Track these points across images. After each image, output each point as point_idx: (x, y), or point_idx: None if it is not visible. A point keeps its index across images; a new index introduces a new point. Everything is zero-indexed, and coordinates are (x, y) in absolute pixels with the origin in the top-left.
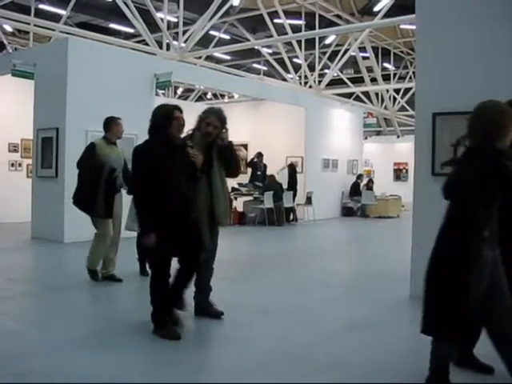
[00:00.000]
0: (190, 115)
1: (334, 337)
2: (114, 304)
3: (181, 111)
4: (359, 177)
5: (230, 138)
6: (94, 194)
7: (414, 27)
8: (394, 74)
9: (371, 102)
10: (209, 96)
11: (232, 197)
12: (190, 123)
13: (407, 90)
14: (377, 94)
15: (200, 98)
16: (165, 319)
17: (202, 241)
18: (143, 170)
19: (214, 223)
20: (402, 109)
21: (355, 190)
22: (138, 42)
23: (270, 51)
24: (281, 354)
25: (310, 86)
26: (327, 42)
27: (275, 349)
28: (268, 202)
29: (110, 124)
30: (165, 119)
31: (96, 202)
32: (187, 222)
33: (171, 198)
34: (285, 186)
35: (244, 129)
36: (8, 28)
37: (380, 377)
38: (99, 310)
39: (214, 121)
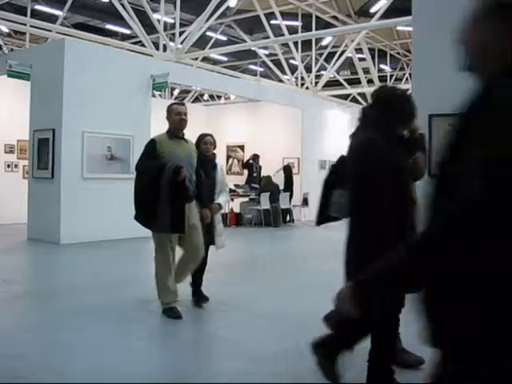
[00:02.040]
0: (187, 116)
1: None
2: (113, 313)
3: None
4: None
5: (227, 140)
6: (153, 203)
7: (410, 29)
8: (391, 76)
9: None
10: (205, 97)
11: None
12: (187, 123)
13: None
14: None
15: (196, 99)
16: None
17: None
18: (380, 174)
19: None
20: None
21: None
22: (135, 43)
23: (267, 52)
24: (277, 356)
25: (307, 88)
26: (324, 43)
27: (271, 350)
28: (264, 203)
29: (166, 113)
30: (407, 105)
31: (157, 214)
32: None
33: (408, 214)
34: (281, 187)
35: (240, 130)
36: (4, 29)
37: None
38: (95, 313)
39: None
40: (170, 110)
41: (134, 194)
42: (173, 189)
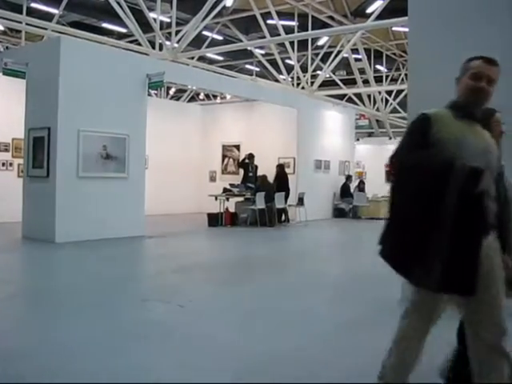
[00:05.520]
0: (183, 116)
1: (324, 339)
2: (109, 312)
3: None
4: (348, 178)
5: (223, 139)
6: (422, 232)
7: (406, 29)
8: (387, 76)
9: (363, 103)
10: (201, 96)
11: (224, 198)
12: (183, 124)
13: (399, 91)
14: (369, 96)
15: (192, 99)
16: None
17: None
18: None
19: None
20: (394, 110)
21: (345, 191)
22: (131, 41)
23: (263, 52)
24: (271, 357)
25: (303, 87)
26: (320, 43)
27: (265, 351)
28: (260, 202)
29: (460, 71)
30: None
31: (428, 252)
32: None
33: None
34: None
35: (236, 130)
36: None
37: (369, 379)
38: (91, 312)
39: None
40: (465, 67)
41: (390, 208)
42: (463, 208)
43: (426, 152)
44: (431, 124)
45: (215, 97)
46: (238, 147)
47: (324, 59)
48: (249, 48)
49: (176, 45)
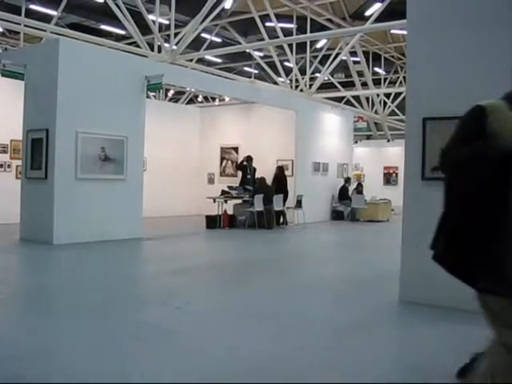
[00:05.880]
0: (181, 118)
1: (321, 341)
2: (106, 313)
3: None
4: (347, 180)
5: (221, 142)
6: (485, 232)
7: (404, 32)
8: (385, 79)
9: (362, 106)
10: (200, 99)
11: (222, 200)
12: (181, 126)
13: (397, 94)
14: (367, 99)
15: (191, 101)
16: None
17: None
18: None
19: None
20: (393, 113)
21: (343, 194)
22: (130, 43)
23: (262, 54)
24: (269, 358)
25: (301, 90)
26: (318, 45)
27: (265, 351)
28: (258, 205)
29: None
30: None
31: (497, 253)
32: None
33: None
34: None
35: (235, 132)
36: None
37: (369, 379)
38: (93, 312)
39: None
40: None
41: (445, 207)
42: None
43: (482, 143)
44: (486, 114)
45: (214, 99)
46: (236, 149)
47: (322, 62)
48: (247, 50)
49: (175, 47)
